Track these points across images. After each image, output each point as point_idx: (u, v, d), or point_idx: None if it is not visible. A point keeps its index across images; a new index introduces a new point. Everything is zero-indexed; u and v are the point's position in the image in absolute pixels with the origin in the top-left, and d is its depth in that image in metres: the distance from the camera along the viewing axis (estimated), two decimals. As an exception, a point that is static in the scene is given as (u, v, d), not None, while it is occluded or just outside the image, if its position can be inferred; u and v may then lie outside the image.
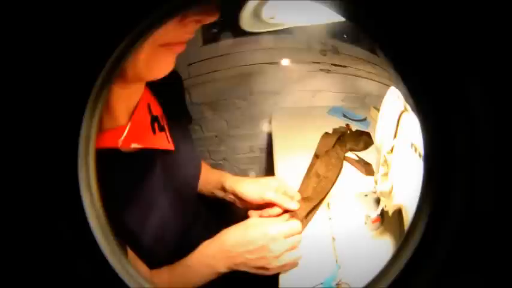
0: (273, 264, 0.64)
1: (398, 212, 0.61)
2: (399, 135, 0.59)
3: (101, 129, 0.52)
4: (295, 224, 0.67)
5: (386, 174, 0.59)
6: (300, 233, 0.68)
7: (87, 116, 0.31)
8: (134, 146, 0.57)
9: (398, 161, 0.58)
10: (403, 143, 0.57)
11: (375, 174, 0.65)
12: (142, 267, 0.60)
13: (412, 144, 0.53)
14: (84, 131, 0.31)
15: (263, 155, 1.49)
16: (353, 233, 0.70)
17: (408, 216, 0.56)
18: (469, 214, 0.29)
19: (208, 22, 0.47)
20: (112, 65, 0.31)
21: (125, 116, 0.58)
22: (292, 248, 0.65)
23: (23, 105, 0.30)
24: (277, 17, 0.62)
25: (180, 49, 0.50)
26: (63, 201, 0.32)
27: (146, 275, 0.60)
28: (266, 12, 0.61)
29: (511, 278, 0.30)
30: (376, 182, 0.63)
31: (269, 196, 0.73)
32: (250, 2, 0.57)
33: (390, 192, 0.58)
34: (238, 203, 0.79)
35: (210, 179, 0.83)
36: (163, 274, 0.64)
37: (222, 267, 0.65)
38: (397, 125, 0.59)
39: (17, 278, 0.33)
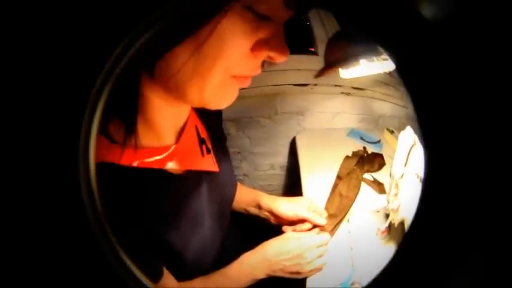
0: (305, 269, 0.79)
1: (402, 224, 0.80)
2: (408, 164, 0.79)
3: (140, 146, 0.54)
4: (325, 236, 0.85)
5: (396, 195, 0.80)
6: (327, 244, 0.85)
7: (86, 119, 0.32)
8: (170, 166, 0.60)
9: (405, 185, 0.79)
10: (410, 171, 0.78)
11: (387, 195, 0.86)
12: (172, 281, 0.66)
13: (417, 175, 0.74)
14: (83, 133, 0.32)
15: (283, 173, 1.61)
16: (366, 242, 0.88)
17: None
18: (465, 217, 0.33)
19: (278, 61, 0.49)
20: (112, 65, 0.32)
21: (172, 136, 0.62)
22: (320, 255, 0.82)
23: (23, 107, 0.31)
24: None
25: (246, 83, 0.52)
26: (62, 203, 0.33)
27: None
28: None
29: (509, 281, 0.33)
30: (388, 202, 0.84)
31: (303, 213, 0.88)
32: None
33: (398, 209, 0.78)
34: (272, 220, 0.93)
35: (243, 196, 0.95)
36: (197, 284, 0.71)
37: (262, 275, 0.78)
38: (408, 156, 0.80)
39: (17, 278, 0.34)
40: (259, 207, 0.95)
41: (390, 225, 0.86)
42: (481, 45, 0.30)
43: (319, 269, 0.83)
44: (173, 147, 0.60)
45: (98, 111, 0.33)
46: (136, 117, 0.52)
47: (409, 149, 0.80)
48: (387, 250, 0.85)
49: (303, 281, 0.82)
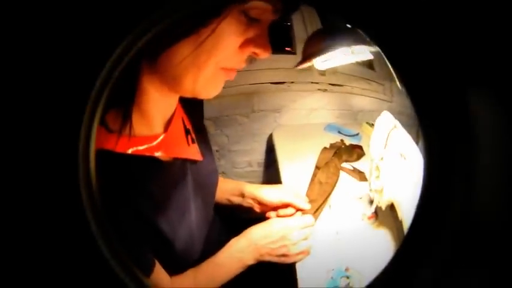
0: (292, 251, 0.81)
1: (391, 207, 0.83)
2: (388, 146, 0.83)
3: (133, 135, 0.58)
4: (309, 217, 0.88)
5: (378, 177, 0.84)
6: (312, 225, 0.88)
7: (86, 116, 0.33)
8: (160, 153, 0.64)
9: (387, 166, 0.82)
10: (391, 153, 0.81)
11: (369, 177, 0.89)
12: (165, 276, 0.68)
13: (401, 154, 0.77)
14: (84, 130, 0.33)
15: (260, 169, 1.65)
16: (352, 228, 0.90)
17: (400, 209, 0.77)
18: (467, 215, 0.33)
19: (261, 57, 0.57)
20: (112, 65, 0.32)
21: (161, 125, 0.66)
22: (306, 238, 0.84)
23: (24, 106, 0.32)
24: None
25: (232, 76, 0.59)
26: (62, 201, 0.33)
27: (168, 283, 0.68)
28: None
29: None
30: (370, 183, 0.87)
31: (287, 198, 0.91)
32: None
33: (382, 190, 0.82)
34: (256, 207, 0.96)
35: (226, 187, 0.98)
36: (188, 276, 0.74)
37: (251, 260, 0.80)
38: (387, 139, 0.83)
39: (16, 278, 0.35)
40: (242, 195, 0.98)
41: (377, 210, 0.89)
42: (469, 24, 0.31)
43: (307, 253, 0.84)
44: (162, 135, 0.65)
45: (99, 106, 0.34)
46: (132, 107, 0.58)
47: (388, 132, 0.83)
48: (378, 234, 0.88)
49: (293, 270, 0.83)
